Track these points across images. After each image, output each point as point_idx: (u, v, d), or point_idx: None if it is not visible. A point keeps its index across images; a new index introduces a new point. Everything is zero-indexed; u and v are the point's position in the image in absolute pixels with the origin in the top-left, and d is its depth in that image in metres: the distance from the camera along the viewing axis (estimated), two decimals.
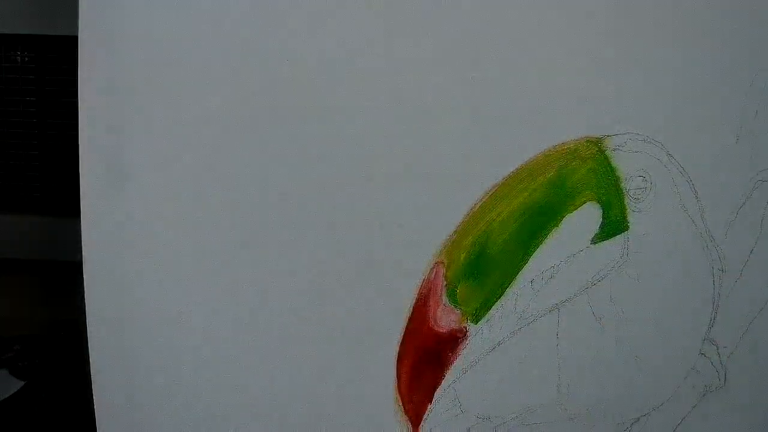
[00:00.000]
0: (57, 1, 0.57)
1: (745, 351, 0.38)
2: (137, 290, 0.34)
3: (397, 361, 0.35)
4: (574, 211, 0.34)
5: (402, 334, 0.35)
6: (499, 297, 0.35)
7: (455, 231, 0.34)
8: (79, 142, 0.33)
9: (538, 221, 0.34)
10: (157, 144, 0.33)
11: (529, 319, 0.35)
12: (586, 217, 0.35)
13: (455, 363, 0.35)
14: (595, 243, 0.35)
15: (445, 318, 0.34)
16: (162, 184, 0.33)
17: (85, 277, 0.34)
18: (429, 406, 0.36)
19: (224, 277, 0.34)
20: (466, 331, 0.35)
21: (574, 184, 0.34)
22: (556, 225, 0.34)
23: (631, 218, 0.35)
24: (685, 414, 0.37)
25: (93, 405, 0.35)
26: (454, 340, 0.35)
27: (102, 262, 0.34)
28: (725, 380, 0.38)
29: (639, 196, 0.35)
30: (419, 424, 0.36)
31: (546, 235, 0.34)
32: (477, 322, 0.35)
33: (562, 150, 0.34)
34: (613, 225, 0.35)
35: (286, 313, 0.35)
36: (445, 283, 0.34)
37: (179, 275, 0.34)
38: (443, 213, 0.34)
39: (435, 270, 0.34)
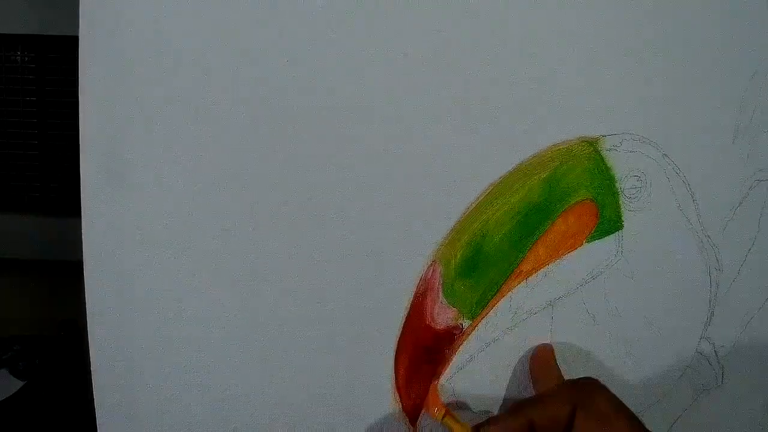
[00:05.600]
0: (57, 1, 0.57)
1: (742, 350, 0.38)
2: (137, 290, 0.34)
3: (395, 357, 0.35)
4: (569, 210, 0.34)
5: (400, 332, 0.35)
6: (495, 294, 0.35)
7: (452, 230, 0.34)
8: (80, 142, 0.33)
9: (533, 220, 0.34)
10: (157, 144, 0.33)
11: (524, 316, 0.35)
12: (581, 216, 0.35)
13: (452, 360, 0.35)
14: (589, 242, 0.35)
15: (442, 315, 0.34)
16: (162, 184, 0.33)
17: (85, 277, 0.34)
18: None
19: (224, 276, 0.34)
20: (463, 329, 0.35)
21: (569, 184, 0.34)
22: (551, 224, 0.34)
23: (626, 217, 0.35)
24: (681, 412, 0.38)
25: (93, 405, 0.35)
26: (450, 337, 0.35)
27: (102, 262, 0.34)
28: (722, 379, 0.38)
29: (634, 196, 0.35)
30: (417, 420, 0.36)
31: (541, 233, 0.34)
32: (473, 319, 0.35)
33: (558, 150, 0.34)
34: (607, 224, 0.35)
35: (285, 311, 0.35)
36: (441, 281, 0.34)
37: (179, 275, 0.34)
38: (440, 212, 0.34)
39: (432, 268, 0.34)
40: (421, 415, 0.36)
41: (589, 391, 0.29)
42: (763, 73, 0.35)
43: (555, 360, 0.34)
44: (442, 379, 0.35)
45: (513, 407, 0.30)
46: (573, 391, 0.29)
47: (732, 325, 0.38)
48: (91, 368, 0.35)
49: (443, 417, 0.33)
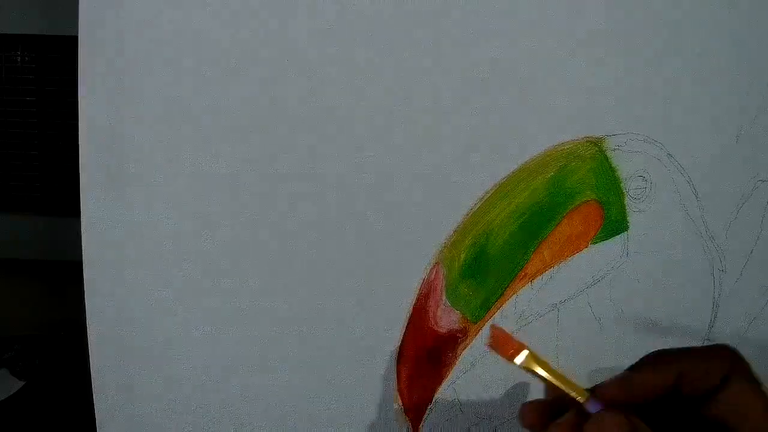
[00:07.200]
0: (57, 1, 0.57)
1: (746, 351, 0.38)
2: (137, 290, 0.34)
3: (398, 361, 0.35)
4: (574, 211, 0.34)
5: (402, 335, 0.35)
6: (499, 297, 0.35)
7: (455, 231, 0.34)
8: (79, 142, 0.33)
9: (538, 221, 0.34)
10: (157, 144, 0.33)
11: (529, 318, 0.35)
12: (586, 217, 0.35)
13: (455, 363, 0.35)
14: (595, 243, 0.35)
15: (445, 318, 0.34)
16: (162, 184, 0.33)
17: (85, 277, 0.34)
18: (429, 406, 0.36)
19: (224, 276, 0.34)
20: (466, 331, 0.35)
21: (574, 184, 0.34)
22: (556, 225, 0.34)
23: (631, 218, 0.35)
24: None
25: (93, 405, 0.35)
26: (454, 340, 0.35)
27: (102, 262, 0.34)
28: None
29: (639, 196, 0.35)
30: (419, 424, 0.36)
31: (546, 235, 0.34)
32: (477, 321, 0.35)
33: (563, 150, 0.34)
34: (613, 225, 0.35)
35: (286, 313, 0.35)
36: (445, 283, 0.34)
37: (178, 275, 0.34)
38: (443, 213, 0.34)
39: (435, 270, 0.34)
40: (423, 417, 0.36)
41: (740, 356, 0.26)
42: (766, 73, 0.35)
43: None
44: (445, 383, 0.35)
45: (654, 358, 0.25)
46: (727, 352, 0.25)
47: (735, 326, 0.37)
48: (91, 368, 0.35)
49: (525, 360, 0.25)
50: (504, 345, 0.26)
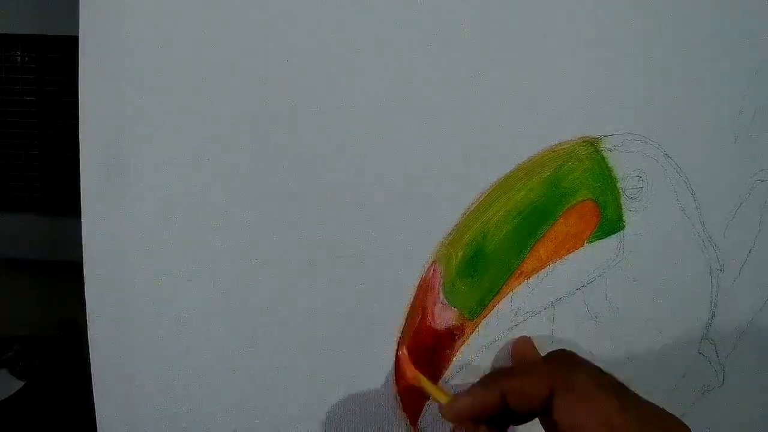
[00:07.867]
0: (57, 1, 0.57)
1: (744, 351, 0.38)
2: (137, 290, 0.34)
3: (396, 358, 0.35)
4: (570, 211, 0.34)
5: (400, 332, 0.35)
6: (496, 295, 0.35)
7: (452, 230, 0.34)
8: (80, 142, 0.33)
9: (534, 220, 0.34)
10: (157, 144, 0.33)
11: (525, 316, 0.35)
12: (582, 216, 0.35)
13: (452, 360, 0.35)
14: (590, 242, 0.35)
15: (443, 316, 0.34)
16: (162, 184, 0.33)
17: (85, 277, 0.34)
18: (427, 403, 0.36)
19: (224, 276, 0.34)
20: (463, 329, 0.35)
21: (571, 184, 0.34)
22: (553, 224, 0.34)
23: (627, 218, 0.35)
24: (683, 413, 0.38)
25: (93, 405, 0.35)
26: (451, 337, 0.35)
27: (102, 262, 0.34)
28: (723, 380, 0.38)
29: (635, 196, 0.35)
30: (417, 421, 0.36)
31: (542, 233, 0.34)
32: (474, 319, 0.35)
33: (559, 150, 0.34)
34: (609, 224, 0.35)
35: (285, 312, 0.35)
36: (442, 281, 0.34)
37: (179, 275, 0.34)
38: (441, 212, 0.34)
39: (432, 268, 0.34)
40: (421, 415, 0.36)
41: (568, 370, 0.27)
42: (763, 73, 0.35)
43: (534, 349, 0.34)
44: (442, 380, 0.35)
45: (485, 378, 0.28)
46: (550, 371, 0.27)
47: (733, 325, 0.38)
48: (91, 368, 0.35)
49: (420, 380, 0.33)
50: (405, 371, 0.34)
